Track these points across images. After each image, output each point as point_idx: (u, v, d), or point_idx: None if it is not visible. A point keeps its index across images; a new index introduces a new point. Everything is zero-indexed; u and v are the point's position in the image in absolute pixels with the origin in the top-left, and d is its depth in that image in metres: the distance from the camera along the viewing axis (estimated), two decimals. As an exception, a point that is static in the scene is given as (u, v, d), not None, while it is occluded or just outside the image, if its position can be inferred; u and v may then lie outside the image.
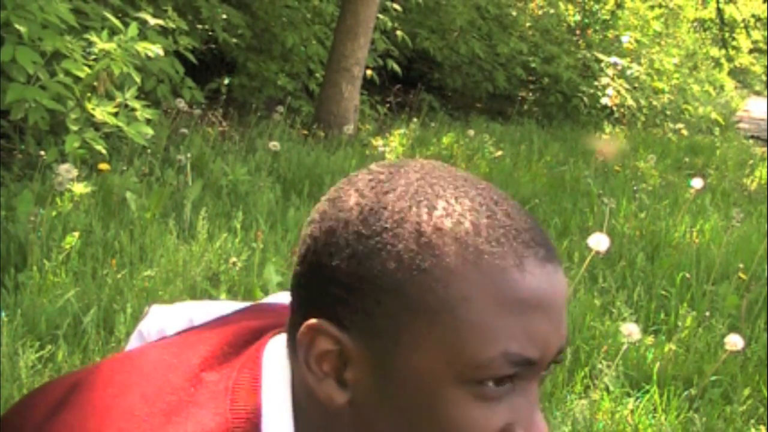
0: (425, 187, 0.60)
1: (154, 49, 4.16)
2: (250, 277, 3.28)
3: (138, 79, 4.07)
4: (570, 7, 11.04)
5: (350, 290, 0.59)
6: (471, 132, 7.27)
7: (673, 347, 3.21)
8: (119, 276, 3.05)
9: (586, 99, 9.48)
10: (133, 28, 4.11)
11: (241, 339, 0.70)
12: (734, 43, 14.78)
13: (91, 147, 3.76)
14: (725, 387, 3.03)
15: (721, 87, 19.02)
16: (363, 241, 0.59)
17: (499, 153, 6.79)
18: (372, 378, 0.60)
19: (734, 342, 2.81)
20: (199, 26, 6.39)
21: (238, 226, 3.69)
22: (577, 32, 10.88)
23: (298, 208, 4.31)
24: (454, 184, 0.61)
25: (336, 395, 0.61)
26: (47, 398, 0.68)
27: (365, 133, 6.77)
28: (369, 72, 7.25)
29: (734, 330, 3.25)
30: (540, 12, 10.70)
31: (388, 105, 7.83)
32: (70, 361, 2.53)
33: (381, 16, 7.39)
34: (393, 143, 6.72)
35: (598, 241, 3.01)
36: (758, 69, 22.76)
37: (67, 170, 3.34)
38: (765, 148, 10.82)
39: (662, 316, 3.65)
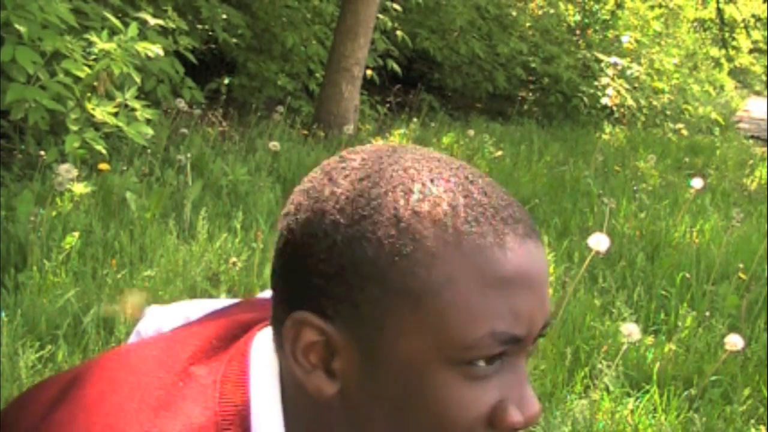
0: (399, 171, 0.60)
1: (154, 49, 4.16)
2: (250, 277, 3.28)
3: (138, 79, 4.07)
4: (570, 7, 11.04)
5: (332, 280, 0.59)
6: (471, 132, 7.27)
7: (673, 347, 3.21)
8: (119, 276, 3.05)
9: (586, 99, 9.48)
10: (133, 28, 4.11)
11: (230, 333, 0.69)
12: (734, 43, 14.78)
13: (91, 147, 3.76)
14: (725, 387, 3.03)
15: (721, 87, 19.02)
16: (341, 230, 0.58)
17: (499, 153, 6.79)
18: (360, 366, 0.60)
19: (734, 342, 2.81)
20: (199, 26, 6.40)
21: (238, 226, 3.69)
22: (577, 32, 10.88)
23: (298, 208, 4.30)
24: (428, 167, 0.61)
25: (325, 386, 0.61)
26: (43, 396, 0.68)
27: (365, 133, 6.77)
28: (369, 72, 7.25)
29: (734, 330, 3.25)
30: (540, 12, 10.71)
31: (388, 105, 7.84)
32: (70, 361, 2.53)
33: (381, 16, 7.39)
34: (393, 143, 6.72)
35: (598, 241, 3.00)
36: (758, 69, 22.76)
37: (67, 170, 3.34)
38: (765, 148, 10.82)
39: (662, 316, 3.65)
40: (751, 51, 17.22)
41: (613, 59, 9.92)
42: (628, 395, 2.90)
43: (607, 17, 11.06)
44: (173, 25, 5.12)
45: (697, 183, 4.55)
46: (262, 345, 0.66)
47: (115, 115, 3.89)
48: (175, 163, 4.39)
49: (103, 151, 3.84)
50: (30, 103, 3.66)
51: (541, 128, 8.82)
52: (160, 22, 4.84)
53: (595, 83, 9.69)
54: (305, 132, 6.20)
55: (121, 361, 0.69)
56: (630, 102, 9.89)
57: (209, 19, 6.19)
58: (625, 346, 2.94)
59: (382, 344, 0.59)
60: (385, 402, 0.60)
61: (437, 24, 9.05)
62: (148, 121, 4.11)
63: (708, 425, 2.78)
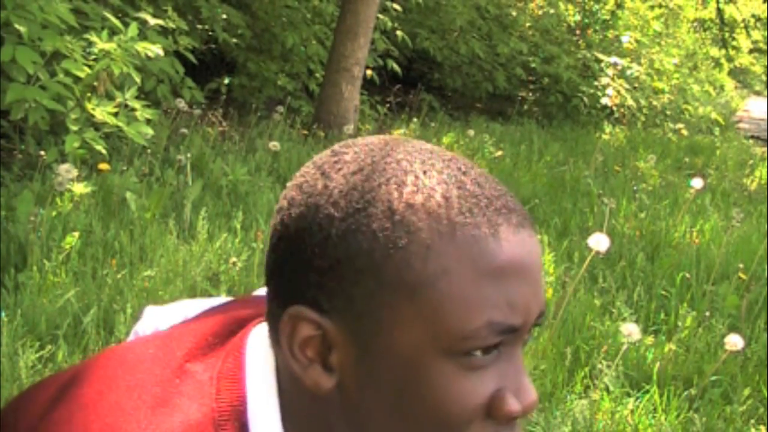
0: (392, 163, 0.60)
1: (154, 49, 4.16)
2: (250, 277, 3.28)
3: (138, 79, 4.07)
4: (570, 7, 11.04)
5: (327, 274, 0.59)
6: (471, 132, 7.28)
7: (673, 347, 3.21)
8: (119, 276, 3.05)
9: (586, 99, 9.48)
10: (133, 28, 4.11)
11: (226, 329, 0.69)
12: (734, 43, 14.77)
13: (91, 147, 3.76)
14: (725, 387, 3.03)
15: (721, 87, 19.02)
16: (336, 223, 0.58)
17: (499, 153, 6.79)
18: (357, 359, 0.60)
19: (734, 342, 2.81)
20: (199, 26, 6.40)
21: (238, 226, 3.69)
22: (577, 32, 10.88)
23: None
24: (420, 159, 0.61)
25: (323, 380, 0.61)
26: (41, 396, 0.68)
27: (365, 133, 6.77)
28: (369, 72, 7.25)
29: (734, 330, 3.25)
30: (540, 12, 10.70)
31: (388, 105, 7.84)
32: (70, 361, 2.53)
33: (381, 16, 7.39)
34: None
35: (598, 241, 3.00)
36: (758, 69, 22.76)
37: (67, 170, 3.34)
38: (765, 148, 10.82)
39: (662, 316, 3.65)
40: (751, 51, 17.21)
41: (613, 59, 9.92)
42: (628, 395, 2.90)
43: (607, 17, 11.06)
44: (173, 25, 5.12)
45: (697, 183, 4.55)
46: (258, 341, 0.66)
47: (115, 115, 3.89)
48: (175, 163, 4.39)
49: (103, 151, 3.84)
50: (30, 103, 3.66)
51: (541, 128, 8.82)
52: (160, 22, 4.84)
53: (595, 83, 9.69)
54: (305, 132, 6.20)
55: (118, 360, 0.69)
56: (630, 102, 9.89)
57: (209, 19, 6.19)
58: (625, 346, 2.94)
59: (379, 337, 0.59)
60: (383, 394, 0.60)
61: (437, 24, 9.06)
62: (148, 121, 4.11)
63: (708, 425, 2.77)
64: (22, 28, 3.54)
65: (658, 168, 7.31)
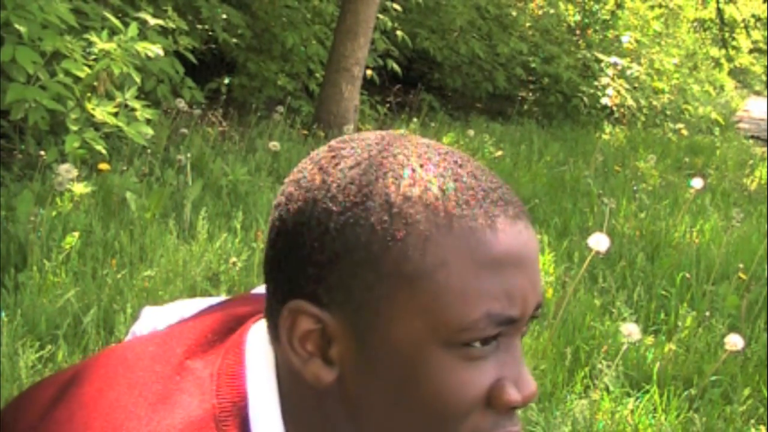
0: (389, 157, 0.61)
1: (154, 49, 4.16)
2: (250, 277, 3.28)
3: (138, 79, 4.07)
4: (570, 7, 11.04)
5: (326, 268, 0.59)
6: (471, 132, 7.28)
7: (673, 347, 3.21)
8: (119, 276, 3.05)
9: (586, 99, 9.48)
10: (133, 28, 4.11)
11: (225, 326, 0.70)
12: (734, 43, 14.77)
13: (91, 147, 3.76)
14: (725, 387, 3.03)
15: (721, 87, 19.03)
16: (334, 217, 0.59)
17: (499, 153, 6.79)
18: (357, 352, 0.61)
19: (734, 342, 2.81)
20: (199, 26, 6.39)
21: (238, 226, 3.69)
22: (577, 32, 10.88)
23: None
24: (416, 152, 0.61)
25: (323, 374, 0.61)
26: (42, 396, 0.68)
27: (365, 133, 6.76)
28: (369, 72, 7.25)
29: (734, 330, 3.25)
30: (540, 12, 10.70)
31: (388, 105, 7.84)
32: (70, 361, 2.53)
33: (381, 16, 7.39)
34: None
35: (598, 241, 3.00)
36: (758, 69, 22.76)
37: (67, 170, 3.34)
38: (765, 148, 10.82)
39: (662, 316, 3.65)
40: (751, 51, 17.21)
41: (613, 59, 9.92)
42: (628, 395, 2.90)
43: (607, 17, 11.06)
44: (173, 25, 5.12)
45: (697, 183, 4.55)
46: (257, 337, 0.66)
47: (115, 115, 3.89)
48: (175, 163, 4.39)
49: (103, 151, 3.84)
50: (30, 103, 3.66)
51: (541, 128, 8.82)
52: (160, 22, 4.84)
53: (595, 83, 9.69)
54: (305, 132, 6.20)
55: (119, 358, 0.69)
56: (630, 102, 9.89)
57: (209, 19, 6.19)
58: (625, 346, 2.94)
59: (379, 329, 0.59)
60: (383, 386, 0.61)
61: (437, 24, 9.06)
62: (148, 121, 4.11)
63: (708, 425, 2.77)
64: (22, 28, 3.54)
65: (658, 168, 7.31)
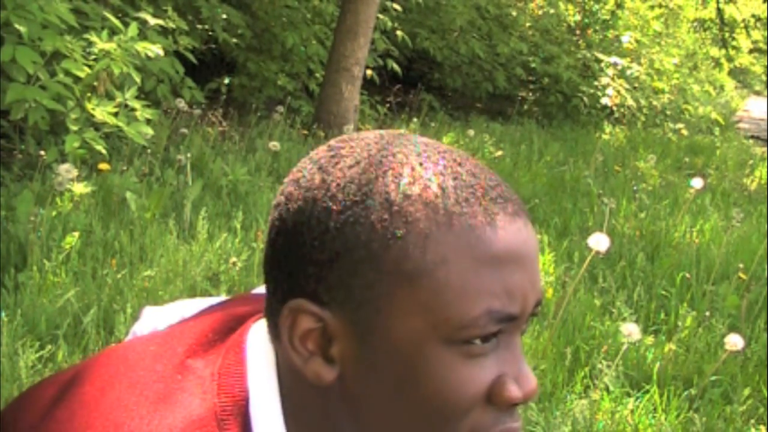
0: (388, 156, 0.61)
1: (154, 49, 4.16)
2: (250, 277, 3.28)
3: (138, 79, 4.07)
4: (570, 7, 11.04)
5: (326, 266, 0.60)
6: (471, 132, 7.28)
7: (673, 347, 3.21)
8: (119, 276, 3.05)
9: (586, 99, 9.48)
10: (133, 28, 4.11)
11: (226, 326, 0.70)
12: (734, 43, 14.77)
13: (91, 147, 3.76)
14: (725, 387, 3.03)
15: (721, 87, 19.03)
16: (334, 216, 0.59)
17: (499, 153, 6.79)
18: (358, 350, 0.61)
19: (734, 342, 2.81)
20: (199, 26, 6.39)
21: (238, 226, 3.69)
22: (577, 32, 10.88)
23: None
24: (415, 151, 0.62)
25: (324, 372, 0.62)
26: (43, 396, 0.68)
27: (365, 133, 6.76)
28: (369, 72, 7.25)
29: (734, 330, 3.25)
30: (540, 12, 10.70)
31: (388, 105, 7.84)
32: (70, 361, 2.53)
33: (381, 16, 7.39)
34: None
35: (598, 241, 3.00)
36: (758, 69, 22.76)
37: (67, 170, 3.34)
38: (765, 148, 10.82)
39: (662, 316, 3.65)
40: (751, 51, 17.21)
41: (613, 59, 9.92)
42: (628, 395, 2.90)
43: (607, 17, 11.06)
44: (173, 25, 5.12)
45: (697, 183, 4.54)
46: (258, 336, 0.67)
47: (115, 115, 3.89)
48: (175, 163, 4.39)
49: (103, 151, 3.84)
50: (30, 103, 3.66)
51: (541, 128, 8.82)
52: (160, 22, 4.84)
53: (595, 83, 9.69)
54: (305, 132, 6.20)
55: (119, 358, 0.69)
56: (630, 102, 9.89)
57: (209, 19, 6.19)
58: (625, 346, 2.94)
59: (379, 327, 0.59)
60: (384, 384, 0.61)
61: (437, 24, 9.06)
62: (148, 121, 4.11)
63: (708, 425, 2.77)
64: (22, 28, 3.54)
65: (658, 168, 7.31)
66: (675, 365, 3.13)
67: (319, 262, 0.60)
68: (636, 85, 10.53)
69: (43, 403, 0.67)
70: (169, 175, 4.25)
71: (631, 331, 2.81)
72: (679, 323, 3.46)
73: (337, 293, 0.60)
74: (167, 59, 4.79)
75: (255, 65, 6.70)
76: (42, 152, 3.84)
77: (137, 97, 4.11)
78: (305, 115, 6.67)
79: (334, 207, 0.59)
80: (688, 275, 3.99)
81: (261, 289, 0.81)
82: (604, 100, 9.51)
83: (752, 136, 12.44)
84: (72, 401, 0.65)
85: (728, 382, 3.06)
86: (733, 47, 14.95)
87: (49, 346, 2.57)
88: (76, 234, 3.19)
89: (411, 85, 8.80)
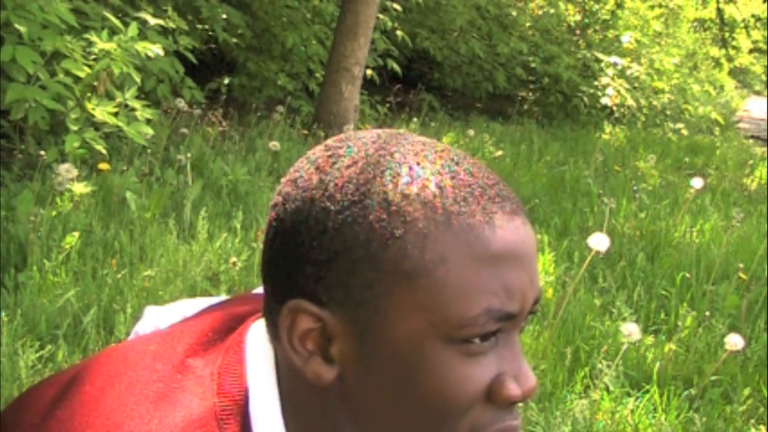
0: (386, 156, 0.61)
1: (154, 49, 4.16)
2: (250, 277, 3.28)
3: (138, 79, 4.07)
4: (570, 7, 11.04)
5: (325, 266, 0.60)
6: (471, 132, 7.28)
7: (673, 347, 3.21)
8: (119, 276, 3.05)
9: (586, 99, 9.48)
10: (133, 28, 4.11)
11: (225, 325, 0.70)
12: (734, 43, 14.77)
13: (91, 147, 3.76)
14: (725, 387, 3.03)
15: (721, 87, 19.03)
16: (332, 216, 0.59)
17: (499, 153, 6.79)
18: (358, 350, 0.61)
19: (734, 342, 2.81)
20: (199, 26, 6.39)
21: (238, 226, 3.69)
22: (577, 32, 10.88)
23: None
24: (413, 150, 0.62)
25: (324, 372, 0.62)
26: (43, 396, 0.68)
27: (365, 133, 6.75)
28: (369, 72, 7.25)
29: (734, 330, 3.25)
30: (540, 12, 10.71)
31: (388, 105, 7.84)
32: (70, 361, 2.53)
33: (381, 16, 7.39)
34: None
35: (598, 241, 3.00)
36: (758, 69, 22.76)
37: (67, 170, 3.34)
38: (765, 148, 10.82)
39: (662, 316, 3.65)
40: (751, 51, 17.20)
41: (613, 59, 9.92)
42: (628, 395, 2.90)
43: (607, 17, 11.06)
44: (173, 25, 5.12)
45: (697, 183, 4.54)
46: (257, 336, 0.67)
47: (115, 115, 3.89)
48: (175, 163, 4.39)
49: (103, 151, 3.84)
50: (30, 103, 3.66)
51: (541, 128, 8.82)
52: (160, 22, 4.84)
53: (595, 83, 9.69)
54: (305, 132, 6.20)
55: (119, 357, 0.69)
56: (630, 102, 9.89)
57: (209, 19, 6.19)
58: (625, 346, 2.94)
59: (379, 326, 0.60)
60: (384, 383, 0.61)
61: (437, 24, 9.06)
62: (148, 121, 4.11)
63: (708, 425, 2.77)
64: (22, 28, 3.54)
65: (658, 168, 7.31)
66: (675, 365, 3.13)
67: (317, 262, 0.60)
68: (636, 85, 10.54)
69: (43, 403, 0.67)
70: (169, 175, 4.25)
71: (631, 331, 2.81)
72: (679, 323, 3.46)
73: (336, 293, 0.60)
74: (167, 59, 4.79)
75: (255, 65, 6.70)
76: (42, 152, 3.84)
77: (137, 97, 4.11)
78: (305, 115, 6.67)
79: (333, 207, 0.59)
80: (688, 275, 3.99)
81: (261, 289, 0.81)
82: (604, 100, 9.51)
83: (752, 136, 12.44)
84: (72, 401, 0.65)
85: (728, 382, 3.06)
86: (733, 47, 14.95)
87: (49, 346, 2.57)
88: (76, 234, 3.19)
89: (411, 85, 8.80)
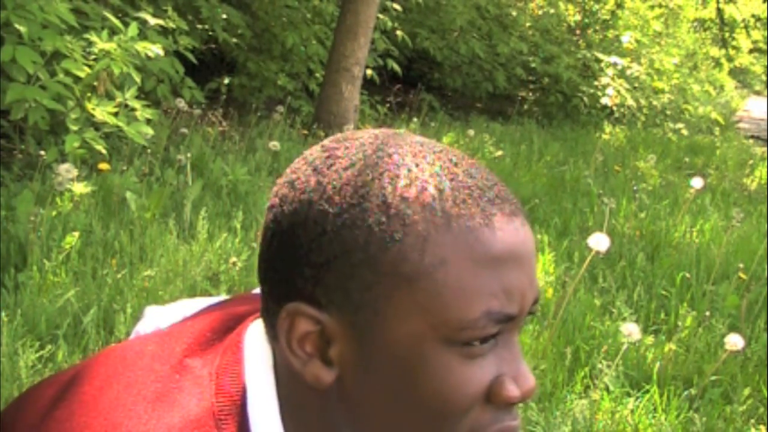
0: (384, 157, 0.61)
1: (154, 49, 4.16)
2: (250, 277, 3.28)
3: (138, 79, 4.07)
4: (570, 7, 11.04)
5: (323, 269, 0.59)
6: (471, 132, 7.28)
7: (673, 347, 3.21)
8: (119, 276, 3.05)
9: (586, 99, 9.48)
10: (133, 28, 4.11)
11: (224, 325, 0.70)
12: (734, 43, 14.77)
13: (91, 147, 3.76)
14: (725, 387, 3.03)
15: (721, 87, 19.03)
16: (331, 219, 0.59)
17: (499, 153, 6.79)
18: (357, 352, 0.61)
19: (734, 342, 2.81)
20: (199, 26, 6.40)
21: (238, 226, 3.69)
22: (577, 32, 10.88)
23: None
24: (411, 151, 0.61)
25: (323, 374, 0.62)
26: (42, 396, 0.68)
27: (365, 133, 6.75)
28: (369, 72, 7.25)
29: (734, 330, 3.25)
30: (540, 12, 10.71)
31: (388, 105, 7.84)
32: (70, 361, 2.53)
33: (381, 16, 7.39)
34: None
35: (598, 241, 3.00)
36: (758, 69, 22.76)
37: (67, 170, 3.34)
38: (765, 148, 10.82)
39: (662, 316, 3.65)
40: (751, 51, 17.20)
41: (613, 59, 9.92)
42: (628, 395, 2.90)
43: (607, 17, 11.06)
44: (173, 25, 5.12)
45: (697, 183, 4.54)
46: (255, 336, 0.67)
47: (115, 115, 3.89)
48: (175, 163, 4.39)
49: (103, 151, 3.84)
50: (30, 103, 3.66)
51: (541, 128, 8.82)
52: (160, 22, 4.84)
53: (595, 83, 9.69)
54: (305, 132, 6.20)
55: (118, 357, 0.69)
56: (630, 102, 9.89)
57: (209, 19, 6.19)
58: (625, 346, 2.94)
59: (379, 329, 0.59)
60: (383, 385, 0.61)
61: (437, 24, 9.06)
62: (148, 121, 4.11)
63: (708, 425, 2.77)
64: (22, 28, 3.54)
65: (658, 168, 7.31)
66: (675, 365, 3.13)
67: (315, 265, 0.59)
68: (636, 85, 10.54)
69: (42, 404, 0.67)
70: (169, 175, 4.25)
71: (631, 331, 2.81)
72: (679, 323, 3.46)
73: (334, 296, 0.60)
74: (167, 59, 4.79)
75: (255, 65, 6.70)
76: (42, 152, 3.84)
77: (137, 97, 4.11)
78: (305, 115, 6.67)
79: (331, 210, 0.59)
80: (688, 275, 3.99)
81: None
82: (604, 100, 9.51)
83: (752, 136, 12.44)
84: (71, 401, 0.65)
85: (728, 382, 3.06)
86: (733, 47, 14.94)
87: (49, 346, 2.57)
88: (76, 234, 3.19)
89: (411, 85, 8.80)
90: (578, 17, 10.98)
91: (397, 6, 8.02)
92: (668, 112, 11.34)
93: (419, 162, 0.60)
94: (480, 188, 0.60)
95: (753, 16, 14.15)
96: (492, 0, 9.75)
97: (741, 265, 4.05)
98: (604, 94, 9.54)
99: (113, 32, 4.09)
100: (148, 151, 4.43)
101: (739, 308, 3.64)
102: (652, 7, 12.72)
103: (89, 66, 3.88)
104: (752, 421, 2.86)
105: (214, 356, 0.66)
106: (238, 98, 6.72)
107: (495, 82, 9.30)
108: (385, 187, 0.59)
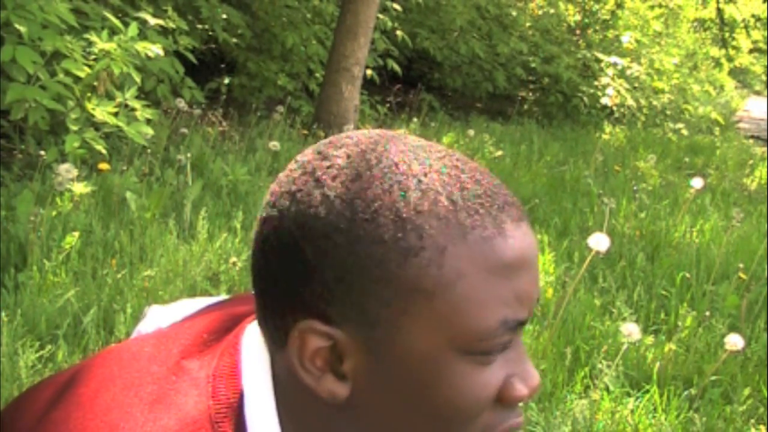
0: (391, 166, 0.59)
1: (154, 49, 4.16)
2: (250, 278, 3.27)
3: (138, 79, 4.07)
4: (570, 7, 11.04)
5: (335, 285, 0.58)
6: (471, 132, 7.28)
7: (673, 347, 3.21)
8: (119, 276, 3.05)
9: (586, 99, 9.48)
10: (133, 28, 4.11)
11: (222, 326, 0.69)
12: (734, 43, 14.77)
13: (91, 147, 3.76)
14: (725, 387, 3.03)
15: (721, 87, 19.03)
16: (344, 234, 0.57)
17: (499, 153, 6.79)
18: (373, 365, 0.60)
19: (734, 342, 2.81)
20: (199, 26, 6.40)
21: (238, 226, 3.69)
22: (577, 32, 10.88)
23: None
24: (417, 159, 0.60)
25: (337, 389, 0.61)
26: (40, 397, 0.68)
27: (365, 133, 6.75)
28: (369, 72, 7.25)
29: (734, 330, 3.25)
30: (540, 12, 10.71)
31: (388, 105, 7.84)
32: (70, 361, 2.53)
33: (381, 16, 7.39)
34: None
35: (598, 241, 3.00)
36: (758, 69, 22.76)
37: (67, 170, 3.34)
38: (765, 148, 10.82)
39: (662, 316, 3.65)
40: (751, 51, 17.20)
41: (613, 59, 9.92)
42: (628, 395, 2.90)
43: (607, 17, 11.06)
44: (173, 25, 5.12)
45: (697, 183, 4.54)
46: (253, 337, 0.66)
47: (115, 115, 3.89)
48: (175, 163, 4.39)
49: (103, 151, 3.84)
50: (30, 103, 3.66)
51: (541, 128, 8.82)
52: (160, 22, 4.84)
53: (595, 83, 9.69)
54: (305, 132, 6.20)
55: (115, 359, 0.69)
56: (630, 102, 9.89)
57: (209, 19, 6.19)
58: (625, 346, 2.94)
59: (396, 343, 0.59)
60: (398, 395, 0.61)
61: (437, 24, 9.06)
62: (148, 121, 4.11)
63: (708, 425, 2.77)
64: (22, 28, 3.54)
65: (658, 168, 7.31)
66: (675, 365, 3.13)
67: (325, 281, 0.58)
68: (636, 85, 10.54)
69: (40, 405, 0.67)
70: (169, 175, 4.25)
71: (631, 331, 2.81)
72: (679, 323, 3.46)
73: (349, 312, 0.59)
74: (167, 59, 4.79)
75: (255, 65, 6.70)
76: (42, 152, 3.84)
77: (137, 97, 4.11)
78: (305, 115, 6.67)
79: (343, 225, 0.57)
80: (688, 275, 3.99)
81: None
82: (604, 100, 9.51)
83: (752, 136, 12.44)
84: (68, 402, 0.65)
85: (728, 382, 3.06)
86: (733, 47, 14.94)
87: (49, 346, 2.57)
88: (76, 234, 3.19)
89: (411, 85, 8.80)
90: (578, 17, 10.98)
91: (397, 6, 8.02)
92: (668, 112, 11.34)
93: (427, 171, 0.59)
94: (489, 196, 0.60)
95: (753, 16, 14.15)
96: (492, 0, 9.75)
97: (741, 265, 4.05)
98: (604, 94, 9.54)
99: (113, 32, 4.09)
100: (148, 151, 4.43)
101: (739, 308, 3.64)
102: (652, 7, 12.72)
103: (89, 66, 3.88)
104: (752, 421, 2.86)
105: (212, 358, 0.66)
106: (238, 98, 6.72)
107: (495, 82, 9.31)
108: (396, 201, 0.58)
